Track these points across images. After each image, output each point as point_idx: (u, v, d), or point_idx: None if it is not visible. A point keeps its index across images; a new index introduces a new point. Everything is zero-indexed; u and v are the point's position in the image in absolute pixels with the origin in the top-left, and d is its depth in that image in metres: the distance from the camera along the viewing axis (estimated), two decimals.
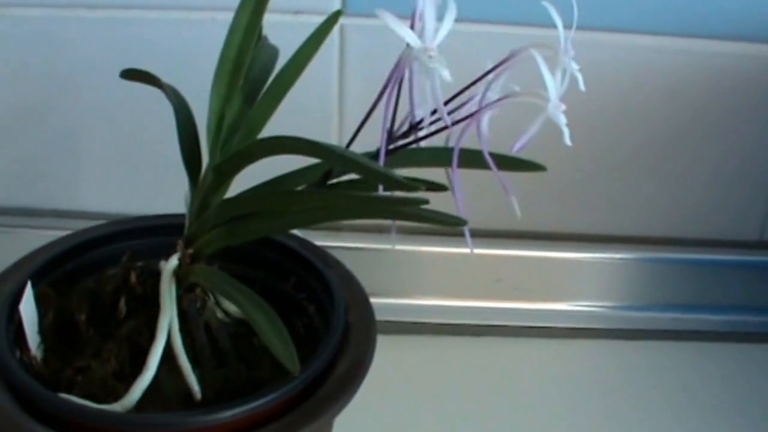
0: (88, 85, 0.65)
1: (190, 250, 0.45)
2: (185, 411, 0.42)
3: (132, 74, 0.44)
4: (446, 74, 0.36)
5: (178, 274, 0.45)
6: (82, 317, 0.48)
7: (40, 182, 0.70)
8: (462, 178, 0.68)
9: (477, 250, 0.70)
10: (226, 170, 0.43)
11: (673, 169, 0.71)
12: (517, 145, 0.38)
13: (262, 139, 0.42)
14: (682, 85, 0.67)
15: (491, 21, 0.64)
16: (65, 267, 0.51)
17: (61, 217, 0.70)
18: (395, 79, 0.38)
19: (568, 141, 0.38)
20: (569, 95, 0.66)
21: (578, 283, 0.72)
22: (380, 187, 0.42)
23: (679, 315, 0.72)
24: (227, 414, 0.40)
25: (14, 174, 0.69)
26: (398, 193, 0.39)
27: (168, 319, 0.44)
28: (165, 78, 0.45)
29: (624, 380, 0.67)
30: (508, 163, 0.42)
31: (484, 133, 0.40)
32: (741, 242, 0.74)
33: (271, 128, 0.46)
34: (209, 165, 0.45)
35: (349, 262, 0.54)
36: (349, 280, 0.51)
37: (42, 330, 0.47)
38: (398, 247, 0.69)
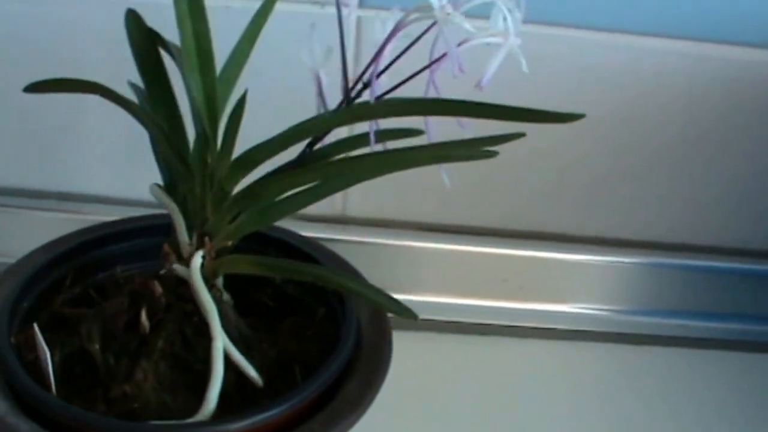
0: (93, 66, 0.64)
1: (211, 244, 0.45)
2: (199, 422, 0.42)
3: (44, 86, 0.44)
4: (468, 26, 0.39)
5: (204, 272, 0.45)
6: (95, 347, 0.46)
7: (44, 164, 0.69)
8: (471, 179, 0.68)
9: (484, 249, 0.70)
10: (248, 162, 0.43)
11: (687, 175, 0.70)
12: (484, 80, 0.39)
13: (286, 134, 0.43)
14: (701, 90, 0.67)
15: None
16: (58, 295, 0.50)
17: (65, 199, 0.70)
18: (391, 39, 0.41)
19: (525, 68, 0.40)
20: (586, 97, 0.67)
21: (585, 286, 0.72)
22: (372, 139, 0.44)
23: (685, 322, 0.72)
24: (240, 425, 0.40)
25: (18, 155, 0.69)
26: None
27: (216, 318, 0.44)
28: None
29: (627, 385, 0.67)
30: (525, 115, 0.43)
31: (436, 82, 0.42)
32: (752, 251, 0.73)
33: (290, 115, 0.45)
34: (217, 157, 0.44)
35: (354, 258, 0.54)
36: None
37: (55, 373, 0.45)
38: (404, 243, 0.69)
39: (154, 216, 0.54)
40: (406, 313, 0.43)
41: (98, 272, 0.52)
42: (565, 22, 0.64)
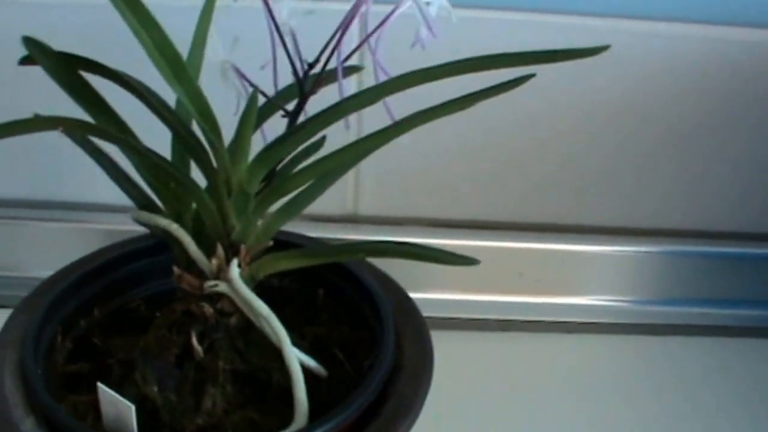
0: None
1: (247, 250, 0.44)
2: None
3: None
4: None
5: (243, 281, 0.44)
6: (154, 389, 0.44)
7: (53, 174, 0.68)
8: (484, 171, 0.68)
9: (499, 243, 0.70)
10: (269, 161, 0.42)
11: (695, 161, 0.70)
12: (421, 36, 0.39)
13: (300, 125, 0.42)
14: (706, 74, 0.66)
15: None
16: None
17: (73, 209, 0.69)
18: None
19: (454, 19, 0.40)
20: (591, 85, 0.66)
21: (600, 277, 0.71)
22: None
23: (702, 309, 0.72)
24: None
25: (27, 166, 0.68)
26: None
27: (278, 322, 0.43)
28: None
29: (646, 376, 0.66)
30: (551, 56, 0.43)
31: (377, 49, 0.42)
32: (763, 235, 0.73)
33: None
34: (232, 161, 0.43)
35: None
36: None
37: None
38: (417, 241, 0.68)
39: (135, 240, 0.53)
40: (467, 262, 0.45)
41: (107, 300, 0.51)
42: (572, 8, 0.63)
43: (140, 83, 0.41)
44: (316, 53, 0.43)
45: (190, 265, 0.45)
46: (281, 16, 0.42)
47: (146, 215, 0.46)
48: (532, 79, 0.64)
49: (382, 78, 0.42)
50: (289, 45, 0.43)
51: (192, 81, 0.40)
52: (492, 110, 0.66)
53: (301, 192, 0.46)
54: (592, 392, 0.64)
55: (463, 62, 0.41)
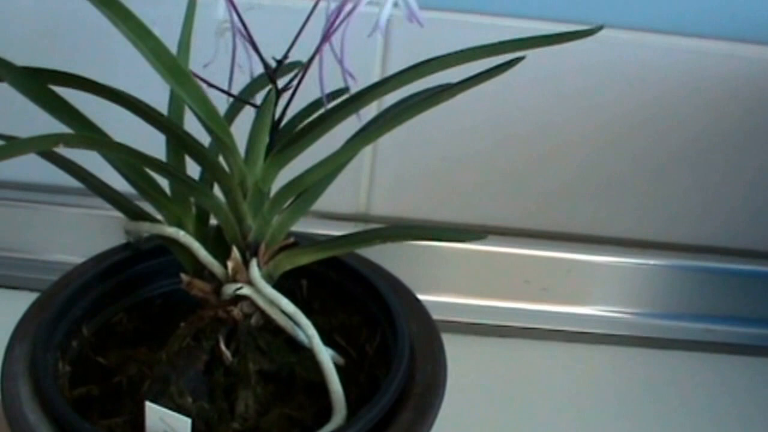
0: (117, 67, 0.64)
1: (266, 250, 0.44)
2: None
3: None
4: None
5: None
6: (189, 400, 0.43)
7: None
8: (496, 178, 0.68)
9: (506, 250, 0.70)
10: (285, 159, 0.42)
11: (709, 177, 0.70)
12: (381, 22, 0.39)
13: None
14: (723, 91, 0.66)
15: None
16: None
17: (86, 195, 0.69)
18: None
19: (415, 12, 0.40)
20: (608, 96, 0.66)
21: (608, 288, 0.71)
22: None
23: (709, 326, 0.71)
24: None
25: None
26: None
27: (305, 318, 0.44)
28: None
29: (649, 389, 0.66)
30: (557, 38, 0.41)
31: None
32: None
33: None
34: (246, 161, 0.43)
35: (374, 256, 0.54)
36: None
37: None
38: (426, 243, 0.69)
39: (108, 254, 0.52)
40: (475, 237, 0.45)
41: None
42: (587, 20, 0.63)
43: (132, 96, 0.40)
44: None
45: (199, 270, 0.45)
46: (217, 15, 0.41)
47: (149, 226, 0.45)
48: (550, 88, 0.65)
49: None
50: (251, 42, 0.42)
51: (196, 86, 0.40)
52: (508, 118, 0.67)
53: (311, 186, 0.46)
54: (590, 402, 0.64)
55: (476, 49, 0.41)
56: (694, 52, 0.64)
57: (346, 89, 0.42)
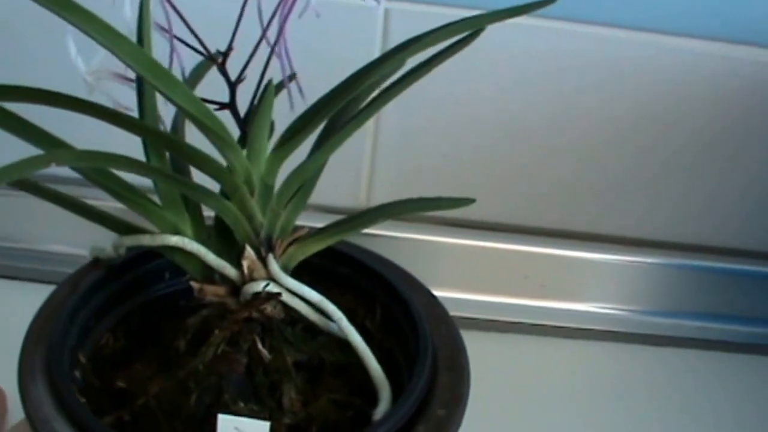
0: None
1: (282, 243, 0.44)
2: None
3: None
4: None
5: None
6: (241, 405, 0.43)
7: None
8: (497, 174, 0.68)
9: (506, 246, 0.70)
10: (287, 150, 0.42)
11: (709, 177, 0.70)
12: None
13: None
14: (723, 91, 0.66)
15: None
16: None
17: (86, 186, 0.69)
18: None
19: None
20: (610, 95, 0.66)
21: (606, 285, 0.71)
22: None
23: (706, 324, 0.72)
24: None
25: None
26: None
27: (332, 305, 0.44)
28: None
29: (645, 386, 0.66)
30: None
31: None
32: None
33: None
34: (249, 156, 0.42)
35: (375, 250, 0.54)
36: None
37: None
38: (425, 238, 0.69)
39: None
40: (463, 203, 0.46)
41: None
42: (591, 19, 0.63)
43: (108, 108, 0.38)
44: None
45: (208, 275, 0.44)
46: (125, 14, 0.39)
47: (149, 238, 0.44)
48: (552, 86, 0.65)
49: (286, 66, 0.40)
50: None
51: (183, 86, 0.39)
52: (509, 115, 0.67)
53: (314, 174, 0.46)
54: (587, 398, 0.65)
55: (461, 22, 0.41)
56: (694, 53, 0.65)
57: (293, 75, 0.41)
